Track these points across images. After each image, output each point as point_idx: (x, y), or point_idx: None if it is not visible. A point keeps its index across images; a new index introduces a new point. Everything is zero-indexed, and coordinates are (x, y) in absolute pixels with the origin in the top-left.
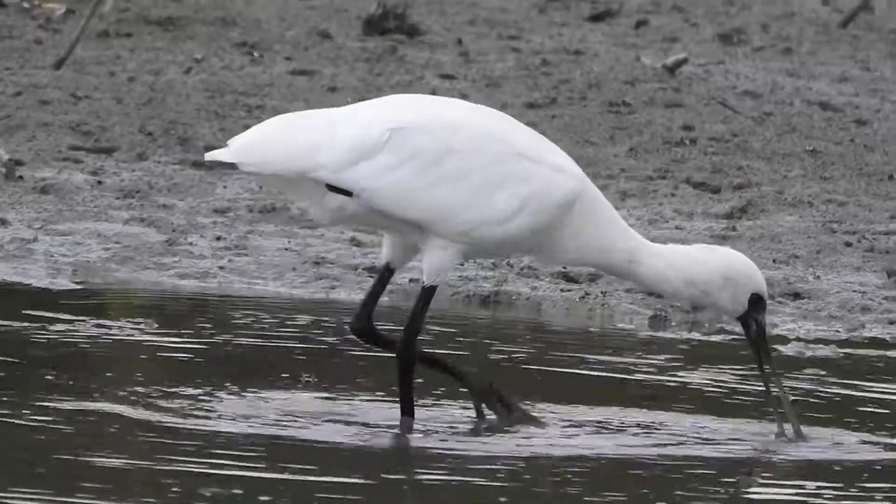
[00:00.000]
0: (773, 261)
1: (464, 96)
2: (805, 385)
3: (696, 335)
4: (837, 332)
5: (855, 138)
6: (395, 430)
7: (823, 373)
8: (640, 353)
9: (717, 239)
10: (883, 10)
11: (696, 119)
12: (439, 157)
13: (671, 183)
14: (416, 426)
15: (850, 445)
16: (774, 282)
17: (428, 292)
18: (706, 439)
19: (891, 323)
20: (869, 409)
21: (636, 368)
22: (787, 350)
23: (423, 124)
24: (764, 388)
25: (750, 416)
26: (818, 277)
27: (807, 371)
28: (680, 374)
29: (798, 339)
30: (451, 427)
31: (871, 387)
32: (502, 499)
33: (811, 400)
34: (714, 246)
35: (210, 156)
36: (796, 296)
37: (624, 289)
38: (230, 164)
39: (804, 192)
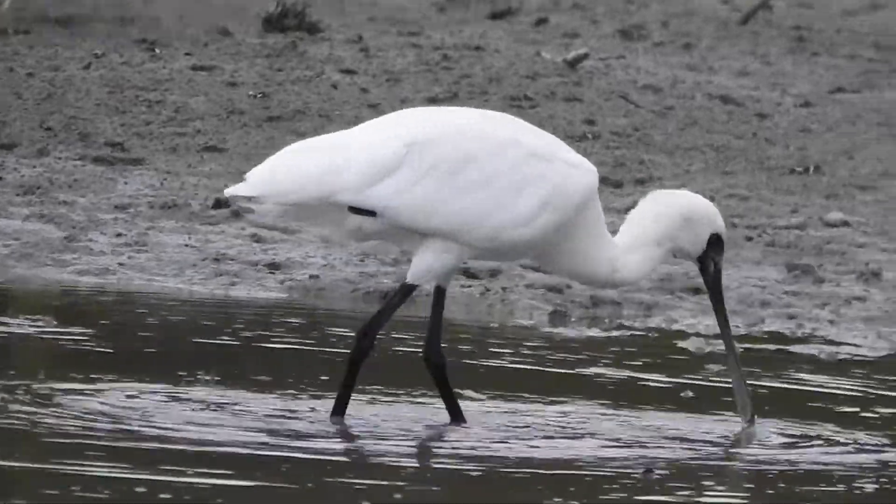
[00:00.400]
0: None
1: (364, 91)
2: (705, 380)
3: (595, 331)
4: (737, 326)
5: (756, 132)
6: (279, 426)
7: (723, 368)
8: (545, 349)
9: None
10: (782, 9)
11: (597, 113)
12: (458, 168)
13: None
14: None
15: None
16: (675, 276)
17: (407, 289)
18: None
19: (790, 318)
20: (774, 402)
21: (541, 361)
22: (688, 345)
23: (437, 136)
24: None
25: (657, 408)
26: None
27: (708, 366)
28: (589, 368)
29: (698, 335)
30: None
31: (772, 378)
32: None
33: (712, 390)
34: (672, 190)
35: (230, 192)
36: (696, 291)
37: (524, 284)
38: (250, 198)
39: (706, 187)
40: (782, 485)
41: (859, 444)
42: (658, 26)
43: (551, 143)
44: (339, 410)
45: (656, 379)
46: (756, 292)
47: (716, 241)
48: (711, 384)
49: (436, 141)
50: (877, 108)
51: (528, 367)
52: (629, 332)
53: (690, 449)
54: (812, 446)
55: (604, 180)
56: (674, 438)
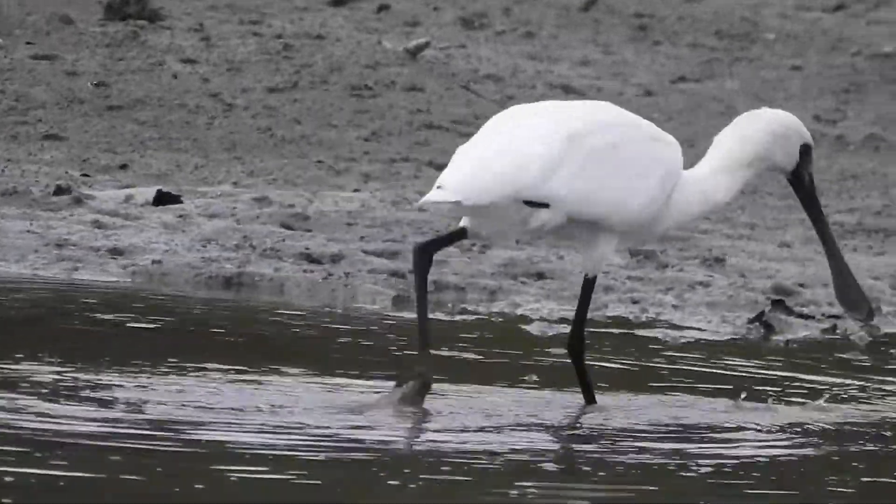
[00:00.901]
0: (517, 241)
1: (205, 80)
2: (547, 362)
3: (439, 315)
4: None
5: None
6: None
7: (564, 352)
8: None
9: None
10: None
11: (438, 103)
12: (608, 154)
13: (414, 166)
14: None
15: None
16: (518, 262)
17: (591, 283)
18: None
19: (634, 302)
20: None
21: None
22: (531, 329)
23: (590, 126)
24: (821, 242)
25: (499, 390)
26: (561, 257)
27: (551, 349)
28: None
29: (541, 319)
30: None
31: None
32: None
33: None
34: (755, 111)
35: (428, 198)
36: (540, 276)
37: (367, 269)
38: (452, 202)
39: None
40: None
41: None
42: (500, 14)
43: (651, 124)
44: (589, 399)
45: (499, 362)
46: (599, 277)
47: (805, 152)
48: (554, 367)
49: (590, 131)
50: (718, 96)
51: (369, 350)
52: (473, 317)
53: (536, 431)
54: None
55: (443, 167)
56: (518, 422)
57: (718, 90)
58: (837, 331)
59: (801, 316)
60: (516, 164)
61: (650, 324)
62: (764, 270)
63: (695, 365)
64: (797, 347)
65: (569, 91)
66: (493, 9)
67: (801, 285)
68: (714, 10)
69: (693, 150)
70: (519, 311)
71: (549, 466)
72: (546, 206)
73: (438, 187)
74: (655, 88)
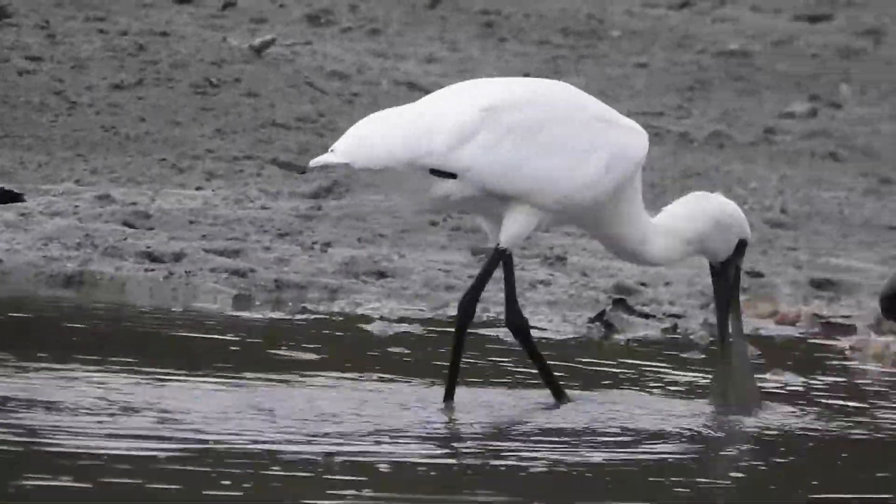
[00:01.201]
0: (359, 240)
1: (51, 78)
2: (389, 361)
3: (279, 314)
4: (422, 310)
5: None
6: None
7: (408, 351)
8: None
9: (303, 219)
10: None
11: (282, 100)
12: (532, 132)
13: (258, 163)
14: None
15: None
16: (359, 261)
17: (501, 254)
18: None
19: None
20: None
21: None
22: (372, 328)
23: (512, 102)
24: (720, 339)
25: (345, 388)
26: (403, 256)
27: (392, 348)
28: (268, 350)
29: (382, 318)
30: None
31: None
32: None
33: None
34: (705, 193)
35: (317, 161)
36: (381, 274)
37: (209, 268)
38: (341, 165)
39: None
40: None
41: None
42: (346, 11)
43: (609, 108)
44: (449, 394)
45: (339, 360)
46: (441, 276)
47: (740, 246)
48: (394, 365)
49: (511, 106)
50: None
51: (209, 347)
52: (313, 316)
53: (377, 434)
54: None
55: (289, 166)
56: (358, 416)
57: None
58: (678, 329)
59: (642, 315)
60: (421, 131)
61: (492, 323)
62: (605, 269)
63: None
64: (638, 346)
65: (414, 88)
66: (339, 6)
67: (643, 284)
68: (560, 7)
69: None
70: (360, 311)
71: (384, 468)
72: (453, 176)
73: (331, 150)
74: None
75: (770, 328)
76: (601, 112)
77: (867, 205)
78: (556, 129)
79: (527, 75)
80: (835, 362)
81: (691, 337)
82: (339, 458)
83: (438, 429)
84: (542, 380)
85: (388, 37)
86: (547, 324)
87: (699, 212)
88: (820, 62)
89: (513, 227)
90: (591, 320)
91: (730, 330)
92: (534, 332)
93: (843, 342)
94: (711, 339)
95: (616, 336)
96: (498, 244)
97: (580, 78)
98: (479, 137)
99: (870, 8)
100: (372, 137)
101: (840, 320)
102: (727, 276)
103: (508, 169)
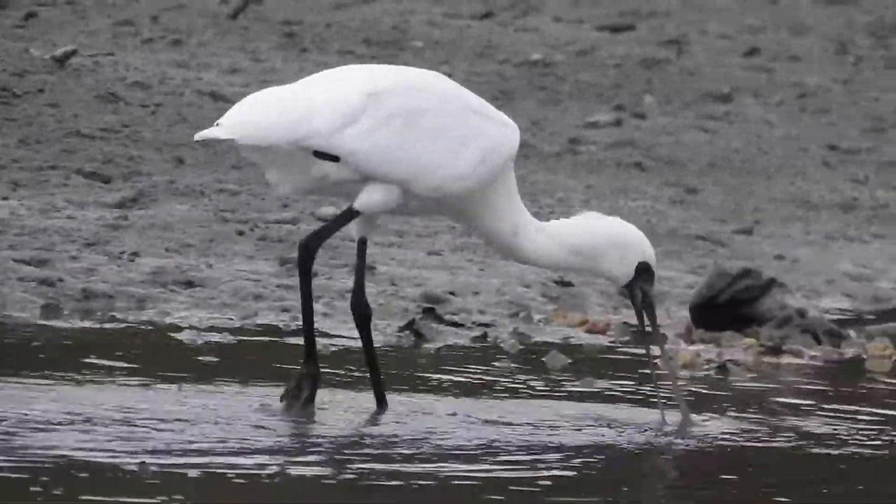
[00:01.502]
0: (166, 249)
1: None
2: (197, 368)
3: (88, 323)
4: (231, 319)
5: None
6: None
7: (217, 359)
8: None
9: (110, 228)
10: (272, 2)
11: (85, 110)
12: (413, 119)
13: (63, 173)
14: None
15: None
16: (167, 270)
17: (353, 214)
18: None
19: (284, 310)
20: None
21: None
22: (181, 337)
23: (395, 87)
24: (649, 370)
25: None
26: (211, 266)
27: (202, 357)
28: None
29: (191, 328)
30: None
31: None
32: None
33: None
34: (601, 214)
35: (202, 135)
36: (189, 284)
37: (17, 277)
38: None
39: (196, 182)
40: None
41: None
42: (148, 22)
43: (484, 102)
44: (308, 328)
45: (150, 368)
46: (249, 286)
47: (645, 271)
48: (205, 374)
49: (394, 91)
50: None
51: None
52: (122, 325)
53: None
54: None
55: (92, 175)
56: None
57: None
58: (488, 338)
59: (452, 324)
60: (305, 111)
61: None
62: (414, 278)
63: (337, 374)
64: (448, 355)
65: (217, 98)
66: (141, 16)
67: (452, 293)
68: (363, 17)
69: None
70: (168, 320)
71: (194, 473)
72: (336, 159)
73: (217, 124)
74: None
75: (581, 337)
76: (477, 104)
77: (673, 214)
78: (436, 118)
79: None
80: (646, 371)
81: (501, 345)
82: (153, 468)
83: (258, 438)
84: (369, 376)
85: (190, 47)
86: (355, 332)
87: (590, 226)
88: (623, 72)
89: (374, 194)
90: (401, 329)
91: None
92: (344, 341)
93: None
94: (521, 347)
95: (426, 345)
96: (352, 205)
97: None
98: (362, 122)
99: (672, 18)
100: (258, 115)
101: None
102: (634, 298)
103: (388, 154)
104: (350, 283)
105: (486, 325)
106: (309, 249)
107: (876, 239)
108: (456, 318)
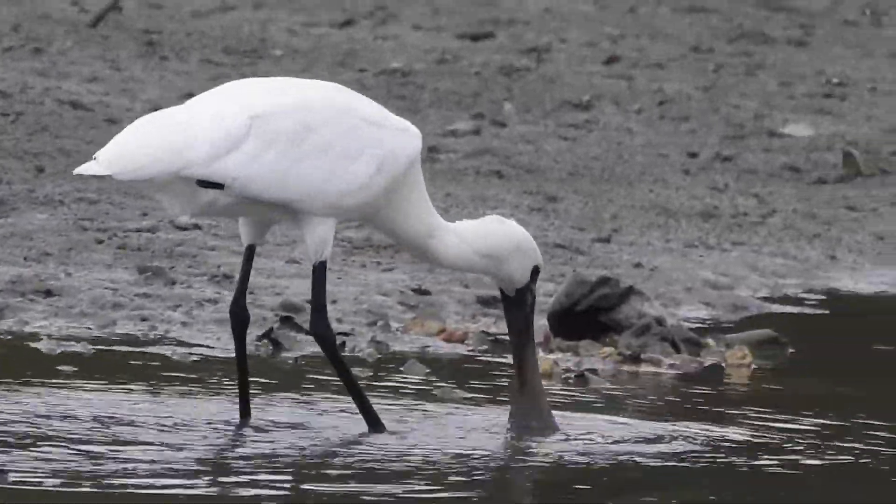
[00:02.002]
0: (25, 258)
1: None
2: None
3: None
4: (89, 328)
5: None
6: None
7: (77, 369)
8: None
9: None
10: (132, 10)
11: None
12: (298, 138)
13: None
14: None
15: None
16: (25, 279)
17: (320, 269)
18: None
19: (143, 319)
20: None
21: None
22: (40, 347)
23: (279, 108)
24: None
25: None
26: (70, 275)
27: (59, 367)
28: None
29: (50, 337)
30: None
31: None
32: None
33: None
34: (503, 218)
35: (81, 170)
36: (48, 293)
37: None
38: (103, 176)
39: (56, 191)
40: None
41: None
42: (9, 30)
43: (381, 110)
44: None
45: (9, 376)
46: (108, 294)
47: (536, 273)
48: (64, 381)
49: (277, 113)
50: None
51: None
52: None
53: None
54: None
55: None
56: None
57: None
58: (346, 347)
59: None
60: (183, 141)
61: (158, 341)
62: (272, 287)
63: (208, 382)
64: (306, 364)
65: (77, 107)
66: (2, 25)
67: (310, 303)
68: (222, 26)
69: None
70: (27, 329)
71: (52, 481)
72: (220, 187)
73: (94, 158)
74: (164, 104)
75: (439, 346)
76: (370, 114)
77: (533, 222)
78: (322, 135)
79: (190, 94)
80: (504, 380)
81: (358, 354)
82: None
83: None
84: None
85: (50, 56)
86: (215, 342)
87: (500, 231)
88: (483, 80)
89: (316, 238)
90: (259, 338)
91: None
92: (202, 351)
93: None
94: (379, 356)
95: (284, 354)
96: (312, 261)
97: None
98: (245, 146)
99: (531, 27)
100: (134, 146)
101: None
102: (524, 302)
103: (275, 177)
104: (208, 292)
105: (345, 333)
106: (328, 335)
107: (735, 247)
108: None
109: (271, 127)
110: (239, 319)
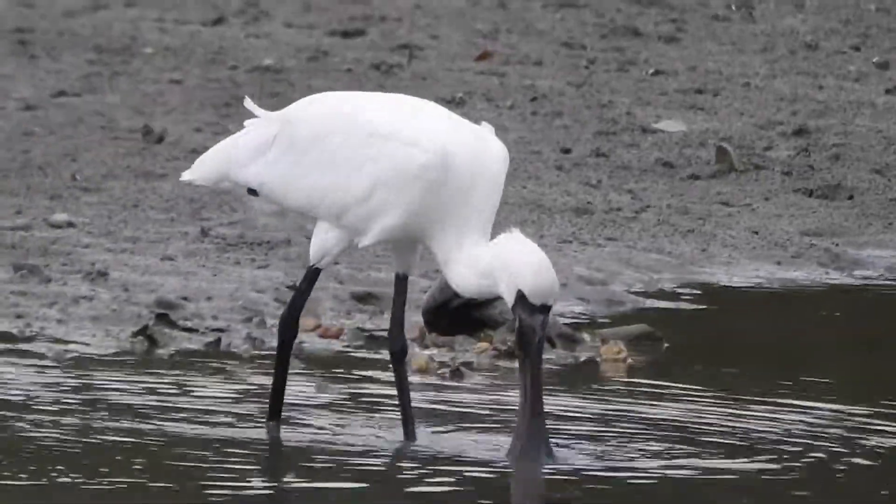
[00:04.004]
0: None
1: None
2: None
3: None
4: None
5: None
6: None
7: None
8: None
9: None
10: (4, 9)
11: None
12: (307, 147)
13: None
14: None
15: None
16: None
17: (311, 273)
18: None
19: (18, 317)
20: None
21: None
22: None
23: (299, 117)
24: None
25: None
26: None
27: None
28: None
29: None
30: None
31: None
32: None
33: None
34: (519, 236)
35: (182, 178)
36: None
37: None
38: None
39: None
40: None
41: None
42: None
43: (398, 119)
44: (274, 413)
45: None
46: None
47: (520, 299)
48: None
49: (296, 120)
50: (99, 111)
51: None
52: None
53: None
54: None
55: None
56: None
57: (99, 104)
58: (221, 344)
59: (186, 329)
60: (233, 145)
61: (34, 338)
62: (147, 284)
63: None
64: (182, 360)
65: None
66: None
67: (185, 299)
68: (93, 24)
69: (75, 164)
70: None
71: None
72: (256, 193)
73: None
74: (36, 103)
75: (315, 342)
76: (381, 126)
77: None
78: (327, 145)
79: (62, 93)
80: (381, 376)
81: (234, 350)
82: None
83: None
84: (400, 410)
85: None
86: (91, 339)
87: (498, 248)
88: (355, 78)
89: (317, 243)
90: (135, 335)
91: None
92: (77, 348)
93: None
94: (254, 352)
95: (159, 350)
96: (309, 263)
97: (115, 95)
98: (269, 152)
99: (403, 23)
100: (210, 155)
101: (383, 333)
102: (518, 326)
103: (289, 183)
104: (83, 289)
105: (220, 330)
106: (288, 327)
107: (609, 242)
108: (189, 324)
109: (292, 133)
110: (397, 352)
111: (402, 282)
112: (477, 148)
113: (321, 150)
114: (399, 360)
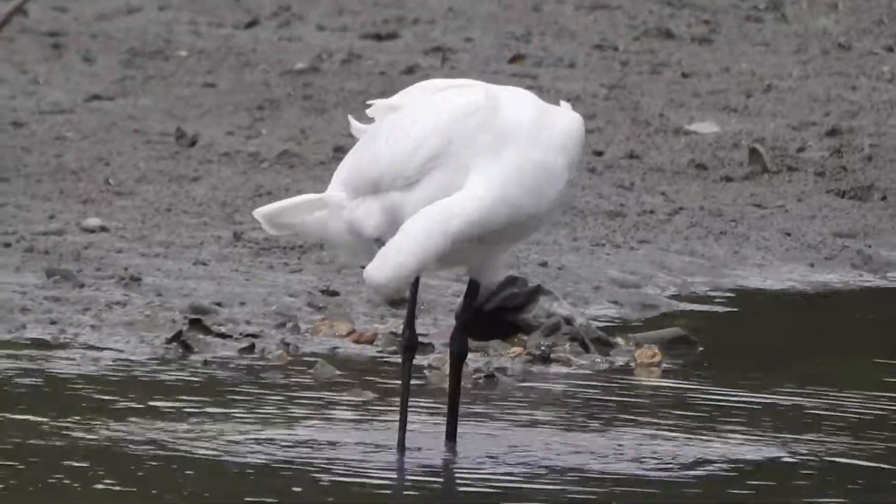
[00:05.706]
0: None
1: None
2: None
3: None
4: None
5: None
6: None
7: None
8: None
9: None
10: (38, 13)
11: None
12: (371, 137)
13: None
14: None
15: None
16: None
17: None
18: None
19: (52, 323)
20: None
21: None
22: None
23: (400, 103)
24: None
25: None
26: None
27: None
28: None
29: None
30: None
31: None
32: None
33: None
34: None
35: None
36: None
37: None
38: None
39: None
40: None
41: None
42: None
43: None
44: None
45: None
46: (17, 298)
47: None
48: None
49: (397, 106)
50: (132, 115)
51: None
52: None
53: None
54: None
55: None
56: None
57: (132, 108)
58: (255, 349)
59: (219, 335)
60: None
61: (68, 345)
62: (180, 289)
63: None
64: (217, 366)
65: None
66: None
67: (218, 304)
68: (127, 27)
69: (108, 168)
70: None
71: None
72: None
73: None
74: (69, 106)
75: (349, 347)
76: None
77: None
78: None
79: (95, 97)
80: (416, 380)
81: (268, 357)
82: None
83: None
84: (448, 412)
85: None
86: (125, 345)
87: None
88: (388, 80)
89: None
90: (169, 341)
91: None
92: (111, 354)
93: (422, 360)
94: (289, 358)
95: (193, 356)
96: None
97: (148, 98)
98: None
99: (436, 26)
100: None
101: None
102: None
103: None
104: (116, 294)
105: (254, 335)
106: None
107: (642, 245)
108: (223, 329)
109: (380, 122)
110: (458, 355)
111: (473, 286)
112: None
113: (363, 146)
114: (461, 361)
